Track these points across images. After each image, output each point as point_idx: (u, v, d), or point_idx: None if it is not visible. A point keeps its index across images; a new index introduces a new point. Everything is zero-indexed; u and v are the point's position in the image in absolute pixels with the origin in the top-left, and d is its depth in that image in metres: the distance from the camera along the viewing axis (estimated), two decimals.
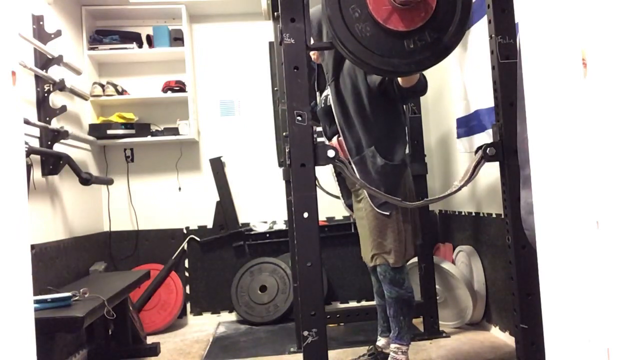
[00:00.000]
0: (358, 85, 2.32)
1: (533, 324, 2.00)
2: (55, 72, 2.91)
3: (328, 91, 2.43)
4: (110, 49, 3.60)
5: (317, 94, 2.63)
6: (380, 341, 2.58)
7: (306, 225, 1.93)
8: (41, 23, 2.87)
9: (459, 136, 3.26)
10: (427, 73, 3.76)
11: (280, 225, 3.84)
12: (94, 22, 3.73)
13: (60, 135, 2.86)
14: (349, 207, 2.52)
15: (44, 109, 2.85)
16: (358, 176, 2.24)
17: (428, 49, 1.99)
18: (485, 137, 2.81)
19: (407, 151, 2.46)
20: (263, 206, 3.87)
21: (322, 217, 2.95)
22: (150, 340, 3.25)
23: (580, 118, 0.70)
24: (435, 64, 2.06)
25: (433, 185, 3.66)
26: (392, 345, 2.38)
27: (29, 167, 2.59)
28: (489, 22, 2.10)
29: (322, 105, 2.50)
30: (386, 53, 1.96)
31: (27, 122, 2.57)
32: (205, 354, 3.02)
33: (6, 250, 0.79)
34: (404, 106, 2.64)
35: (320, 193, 2.16)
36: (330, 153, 1.97)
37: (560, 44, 0.73)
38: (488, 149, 2.06)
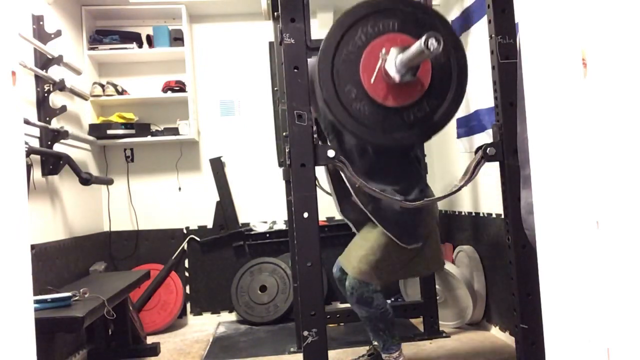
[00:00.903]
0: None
1: (533, 324, 2.00)
2: (55, 72, 2.91)
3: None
4: (110, 49, 3.60)
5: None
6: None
7: (306, 225, 1.93)
8: (41, 23, 2.87)
9: (459, 136, 3.26)
10: None
11: (280, 225, 3.84)
12: (94, 22, 3.72)
13: (60, 135, 2.86)
14: (352, 220, 2.42)
15: (44, 109, 2.85)
16: (377, 222, 2.17)
17: (429, 119, 1.97)
18: (485, 137, 2.81)
19: (426, 185, 2.35)
20: (263, 206, 3.87)
21: (322, 217, 2.95)
22: (150, 340, 3.26)
23: (580, 118, 0.70)
24: (438, 131, 2.05)
25: (433, 185, 3.65)
26: (383, 356, 2.38)
27: (29, 167, 2.59)
28: (489, 22, 2.11)
29: (331, 168, 2.36)
30: (387, 128, 1.94)
31: (27, 122, 2.57)
32: (205, 354, 3.02)
33: (6, 250, 0.79)
34: None
35: (320, 193, 2.16)
36: (330, 153, 1.97)
37: (560, 44, 0.73)
38: (488, 149, 2.06)
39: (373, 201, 2.19)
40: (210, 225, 3.84)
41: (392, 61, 1.88)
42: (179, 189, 3.86)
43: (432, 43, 1.66)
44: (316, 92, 2.08)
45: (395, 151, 2.27)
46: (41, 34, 2.86)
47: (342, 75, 1.91)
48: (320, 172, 2.31)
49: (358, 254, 2.27)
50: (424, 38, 1.66)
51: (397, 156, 2.28)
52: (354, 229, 2.45)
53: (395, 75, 1.88)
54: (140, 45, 3.72)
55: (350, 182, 2.34)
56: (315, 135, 1.95)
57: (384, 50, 1.91)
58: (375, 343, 2.57)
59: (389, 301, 3.47)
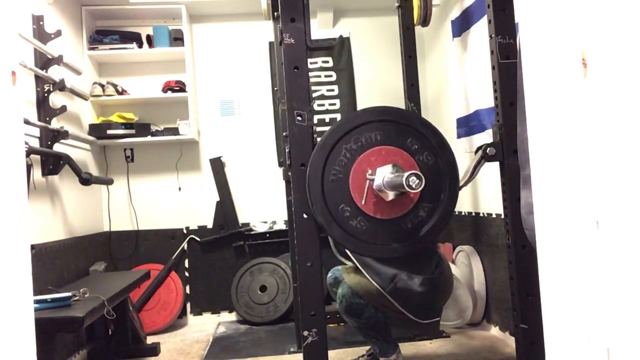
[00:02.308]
0: None
1: (533, 324, 2.00)
2: (55, 72, 2.91)
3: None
4: (110, 49, 3.60)
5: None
6: None
7: (306, 225, 1.93)
8: (41, 23, 2.87)
9: (459, 136, 3.26)
10: (427, 73, 3.76)
11: (280, 225, 3.84)
12: (94, 22, 3.72)
13: (60, 135, 2.86)
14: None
15: (44, 109, 2.84)
16: (398, 305, 2.16)
17: (426, 223, 1.98)
18: (485, 137, 2.81)
19: (440, 257, 2.31)
20: (263, 206, 3.87)
21: None
22: (150, 340, 3.25)
23: (580, 118, 0.70)
24: (437, 235, 2.04)
25: None
26: (380, 359, 2.38)
27: (29, 167, 2.59)
28: (489, 22, 2.11)
29: (337, 250, 2.34)
30: (386, 241, 1.95)
31: (27, 122, 2.57)
32: (205, 354, 3.02)
33: (6, 250, 0.79)
34: None
35: None
36: None
37: (560, 44, 0.73)
38: (488, 149, 2.06)
39: (391, 280, 2.15)
40: (210, 225, 3.84)
41: (380, 181, 1.89)
42: (179, 189, 3.85)
43: (414, 181, 1.70)
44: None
45: None
46: (41, 34, 2.86)
47: (333, 195, 1.91)
48: None
49: (364, 274, 2.22)
50: (404, 177, 1.70)
51: None
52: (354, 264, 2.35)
53: (385, 193, 1.89)
54: (140, 45, 3.72)
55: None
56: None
57: (370, 172, 1.92)
58: None
59: None
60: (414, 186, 1.69)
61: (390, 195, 1.88)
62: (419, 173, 1.71)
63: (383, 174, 1.88)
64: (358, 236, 1.92)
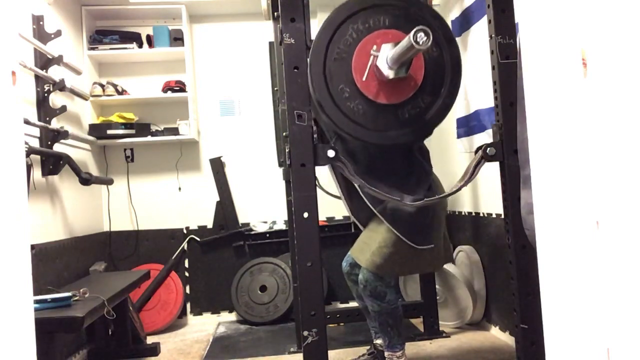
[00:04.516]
0: None
1: (533, 324, 2.00)
2: (55, 72, 2.91)
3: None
4: (110, 49, 3.60)
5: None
6: (379, 340, 2.58)
7: (306, 225, 1.93)
8: (41, 23, 2.87)
9: (459, 136, 3.26)
10: None
11: (280, 225, 3.84)
12: (94, 22, 3.72)
13: (60, 135, 2.86)
14: (362, 219, 2.36)
15: (44, 109, 2.84)
16: (387, 223, 2.16)
17: (423, 115, 1.95)
18: (485, 137, 2.81)
19: (433, 181, 2.31)
20: (263, 206, 3.87)
21: (322, 217, 2.94)
22: (150, 340, 3.25)
23: (580, 118, 0.70)
24: (433, 128, 2.02)
25: None
26: (386, 353, 2.38)
27: (29, 167, 2.59)
28: (489, 22, 2.10)
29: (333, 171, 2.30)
30: (381, 127, 1.92)
31: (27, 122, 2.57)
32: (205, 354, 3.02)
33: (6, 250, 0.79)
34: None
35: (320, 193, 2.16)
36: (330, 153, 1.96)
37: (560, 44, 0.73)
38: (488, 148, 2.06)
39: (382, 202, 2.17)
40: (210, 225, 3.84)
41: (384, 58, 1.85)
42: (179, 189, 3.85)
43: (421, 37, 1.64)
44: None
45: (398, 151, 2.24)
46: (41, 34, 2.86)
47: (334, 75, 1.89)
48: (321, 171, 2.30)
49: (371, 247, 2.24)
50: (412, 32, 1.64)
51: (400, 155, 2.24)
52: (362, 228, 2.42)
53: (387, 71, 1.85)
54: (140, 45, 3.72)
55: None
56: (315, 135, 1.94)
57: (374, 47, 1.88)
58: (377, 342, 2.57)
59: None
60: (420, 42, 1.64)
61: (391, 74, 1.83)
62: (427, 29, 1.64)
63: (387, 51, 1.84)
64: (353, 118, 1.89)
